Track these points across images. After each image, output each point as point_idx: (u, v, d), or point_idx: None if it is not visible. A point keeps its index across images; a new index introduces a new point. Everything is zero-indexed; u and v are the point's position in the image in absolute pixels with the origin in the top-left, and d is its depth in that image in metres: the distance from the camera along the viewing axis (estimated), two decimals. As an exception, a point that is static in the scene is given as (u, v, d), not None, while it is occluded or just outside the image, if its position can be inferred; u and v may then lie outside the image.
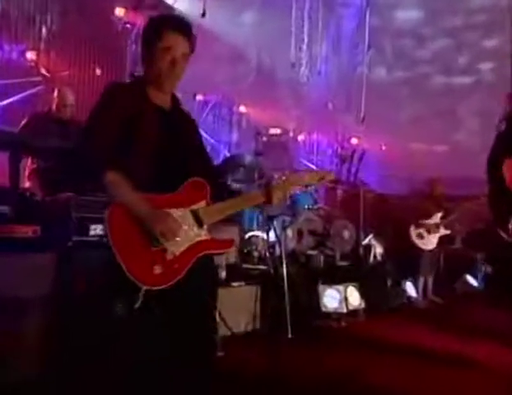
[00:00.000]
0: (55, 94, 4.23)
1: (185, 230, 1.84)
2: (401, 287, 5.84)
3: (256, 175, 5.29)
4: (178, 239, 1.80)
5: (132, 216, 1.76)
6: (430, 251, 6.01)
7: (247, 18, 8.68)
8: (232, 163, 5.49)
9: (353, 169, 7.55)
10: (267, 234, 4.86)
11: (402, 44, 9.83)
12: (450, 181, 6.48)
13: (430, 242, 6.00)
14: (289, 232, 5.25)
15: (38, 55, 5.93)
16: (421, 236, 5.98)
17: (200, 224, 1.88)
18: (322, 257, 5.38)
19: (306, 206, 5.80)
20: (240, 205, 2.07)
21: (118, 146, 1.82)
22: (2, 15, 5.68)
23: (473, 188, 4.86)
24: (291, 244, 5.29)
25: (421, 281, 6.02)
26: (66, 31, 6.26)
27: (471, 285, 6.74)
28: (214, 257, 2.03)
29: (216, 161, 5.24)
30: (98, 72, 6.48)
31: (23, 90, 5.32)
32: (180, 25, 1.94)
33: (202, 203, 1.92)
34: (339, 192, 6.63)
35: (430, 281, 6.12)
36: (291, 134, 7.90)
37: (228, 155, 7.07)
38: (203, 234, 1.88)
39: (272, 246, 4.91)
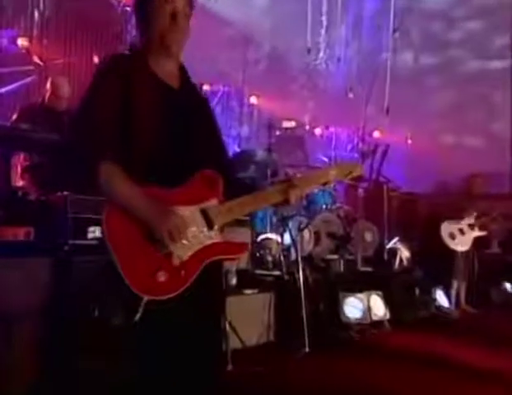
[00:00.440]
0: (48, 84, 4.26)
1: (193, 232, 1.75)
2: (430, 296, 5.78)
3: (269, 172, 5.31)
4: (185, 242, 1.72)
5: (132, 216, 1.67)
6: (464, 254, 5.95)
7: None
8: (242, 159, 5.51)
9: (376, 166, 7.51)
10: (282, 237, 4.87)
11: (430, 25, 9.74)
12: (486, 177, 6.43)
13: (463, 243, 5.93)
14: (305, 234, 5.25)
15: (30, 42, 5.96)
16: (452, 236, 5.92)
17: (210, 225, 1.78)
18: (342, 262, 5.39)
19: (324, 206, 5.79)
20: (256, 204, 1.97)
21: (114, 133, 1.72)
22: (-9, -2, 5.76)
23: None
24: (308, 248, 5.29)
25: (455, 287, 5.97)
26: (61, 15, 6.30)
27: (509, 294, 6.66)
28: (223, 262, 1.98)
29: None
30: (95, 59, 6.51)
31: (14, 81, 5.35)
32: None
33: (214, 201, 1.82)
34: (360, 190, 6.60)
35: (463, 288, 6.06)
36: (307, 127, 7.89)
37: (238, 150, 7.07)
38: (214, 237, 1.79)
39: (286, 250, 4.92)
